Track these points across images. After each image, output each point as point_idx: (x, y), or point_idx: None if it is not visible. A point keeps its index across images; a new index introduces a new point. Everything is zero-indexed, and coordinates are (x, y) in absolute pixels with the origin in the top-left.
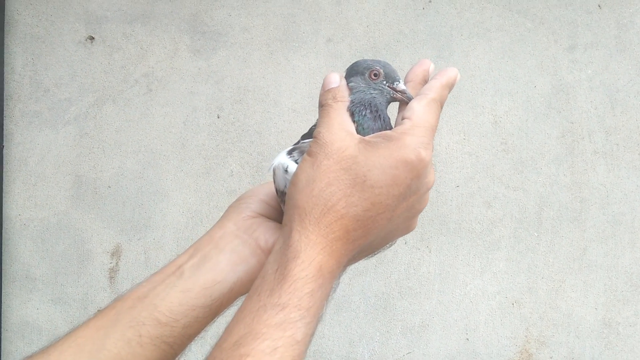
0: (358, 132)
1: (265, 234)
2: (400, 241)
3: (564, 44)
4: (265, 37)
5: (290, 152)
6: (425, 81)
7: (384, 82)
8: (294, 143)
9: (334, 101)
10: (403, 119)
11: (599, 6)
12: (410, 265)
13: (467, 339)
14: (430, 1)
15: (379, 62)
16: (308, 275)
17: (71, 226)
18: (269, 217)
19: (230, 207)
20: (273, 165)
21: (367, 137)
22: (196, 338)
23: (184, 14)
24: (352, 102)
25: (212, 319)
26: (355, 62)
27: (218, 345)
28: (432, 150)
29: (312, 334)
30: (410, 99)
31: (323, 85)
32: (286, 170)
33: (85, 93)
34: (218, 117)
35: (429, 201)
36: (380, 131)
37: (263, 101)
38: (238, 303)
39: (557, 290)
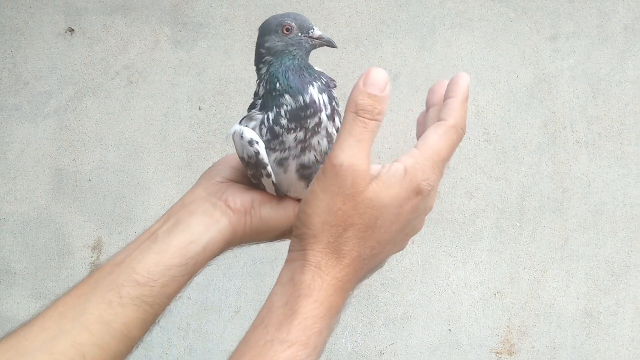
0: (284, 90)
1: (233, 195)
2: None
3: (546, 34)
4: (247, 28)
5: (241, 121)
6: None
7: (299, 34)
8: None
9: (372, 117)
10: (415, 147)
11: None
12: (393, 256)
13: (450, 330)
14: None
15: (288, 15)
16: (318, 315)
17: (51, 220)
18: (238, 182)
19: (201, 176)
20: (230, 135)
21: (376, 172)
22: (175, 298)
23: (165, 5)
24: (273, 67)
25: (189, 278)
26: (266, 21)
27: None
28: (439, 180)
29: None
30: (329, 41)
31: (366, 81)
32: (241, 137)
33: (65, 85)
34: (200, 109)
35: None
36: (304, 83)
37: (245, 93)
38: (212, 263)
39: (539, 280)
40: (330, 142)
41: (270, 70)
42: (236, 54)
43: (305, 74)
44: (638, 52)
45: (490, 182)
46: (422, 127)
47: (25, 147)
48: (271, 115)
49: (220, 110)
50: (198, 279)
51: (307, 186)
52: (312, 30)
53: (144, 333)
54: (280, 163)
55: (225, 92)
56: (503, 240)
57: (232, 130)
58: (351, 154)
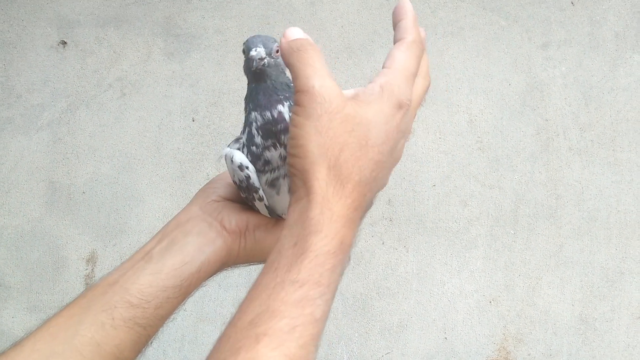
0: (251, 108)
1: (229, 215)
2: (377, 241)
3: (538, 42)
4: (239, 39)
5: (229, 144)
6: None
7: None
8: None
9: (310, 46)
10: (383, 67)
11: (572, 3)
12: (388, 265)
13: (446, 338)
14: None
15: (246, 40)
16: (330, 251)
17: (45, 233)
18: (234, 201)
19: (197, 193)
20: (222, 156)
21: (353, 94)
22: (168, 320)
23: (157, 17)
24: (247, 89)
25: (183, 299)
26: None
27: (232, 324)
28: (414, 100)
29: (330, 309)
30: (255, 61)
31: (285, 36)
32: (232, 160)
33: (58, 98)
34: (193, 121)
35: (408, 203)
36: (273, 101)
37: (238, 104)
38: (206, 284)
39: (534, 287)
40: None
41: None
42: (229, 65)
43: (277, 94)
44: (629, 59)
45: (484, 190)
46: None
47: (19, 160)
48: (244, 137)
49: (213, 121)
50: None
51: None
52: (249, 53)
53: (137, 355)
54: (272, 184)
55: (218, 103)
56: (498, 248)
57: (223, 153)
58: (317, 77)
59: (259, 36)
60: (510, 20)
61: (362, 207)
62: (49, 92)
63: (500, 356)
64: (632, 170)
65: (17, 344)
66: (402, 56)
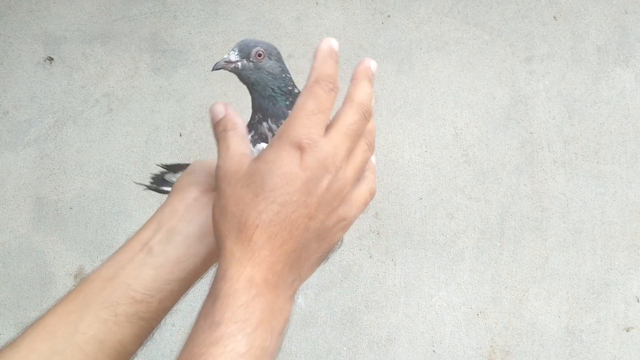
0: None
1: None
2: (365, 254)
3: (521, 56)
4: (226, 54)
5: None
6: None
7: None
8: None
9: (224, 132)
10: None
11: (554, 18)
12: (376, 278)
13: (434, 351)
14: (389, 16)
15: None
16: (238, 289)
17: (33, 249)
18: None
19: (182, 181)
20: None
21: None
22: (171, 311)
23: (144, 33)
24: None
25: (187, 290)
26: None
27: None
28: (331, 136)
29: (264, 346)
30: (226, 62)
31: (211, 119)
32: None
33: (45, 114)
34: (180, 135)
35: (395, 216)
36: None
37: None
38: (213, 269)
39: (520, 299)
40: None
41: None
42: (216, 80)
43: (277, 101)
44: (611, 73)
45: (470, 202)
46: None
47: (6, 177)
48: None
49: (201, 136)
50: (182, 305)
51: None
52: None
53: (139, 347)
54: None
55: (205, 118)
56: (484, 261)
57: (260, 147)
58: (223, 156)
59: (243, 40)
60: (494, 34)
61: (273, 247)
62: (35, 108)
63: None
64: (616, 182)
65: (12, 344)
66: (299, 100)
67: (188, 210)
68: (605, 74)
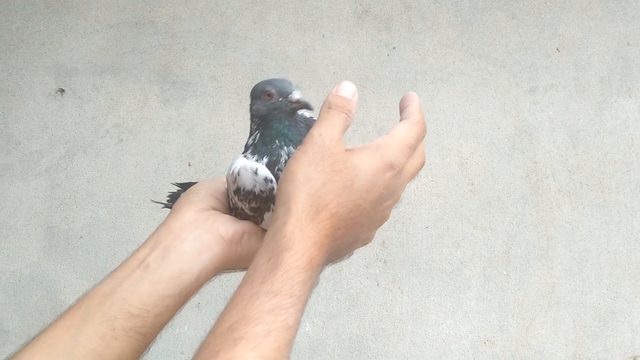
0: (284, 143)
1: (224, 224)
2: (372, 283)
3: (525, 87)
4: (234, 85)
5: (246, 157)
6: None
7: (280, 99)
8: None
9: (342, 109)
10: (385, 134)
11: (558, 49)
12: (383, 306)
13: None
14: (394, 48)
15: (269, 82)
16: (300, 266)
17: (44, 278)
18: (221, 212)
19: (181, 200)
20: (236, 168)
21: (350, 147)
22: (167, 325)
23: (153, 65)
24: (258, 125)
25: (182, 306)
26: (253, 87)
27: (212, 332)
28: (407, 169)
29: (299, 322)
30: (305, 103)
31: (338, 88)
32: (256, 172)
33: (56, 145)
34: (189, 165)
35: (400, 243)
36: (302, 135)
37: (234, 148)
38: (202, 289)
39: (527, 327)
40: None
41: (261, 129)
42: (224, 110)
43: (299, 127)
44: (614, 103)
45: (476, 231)
46: None
47: (17, 206)
48: (279, 165)
49: (209, 166)
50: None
51: None
52: (290, 95)
53: None
54: None
55: (214, 148)
56: (491, 289)
57: (240, 165)
58: (325, 128)
59: (283, 80)
60: (498, 66)
61: (333, 237)
62: (47, 139)
63: None
64: (621, 211)
65: (14, 357)
66: (403, 129)
67: (183, 229)
68: (609, 104)
